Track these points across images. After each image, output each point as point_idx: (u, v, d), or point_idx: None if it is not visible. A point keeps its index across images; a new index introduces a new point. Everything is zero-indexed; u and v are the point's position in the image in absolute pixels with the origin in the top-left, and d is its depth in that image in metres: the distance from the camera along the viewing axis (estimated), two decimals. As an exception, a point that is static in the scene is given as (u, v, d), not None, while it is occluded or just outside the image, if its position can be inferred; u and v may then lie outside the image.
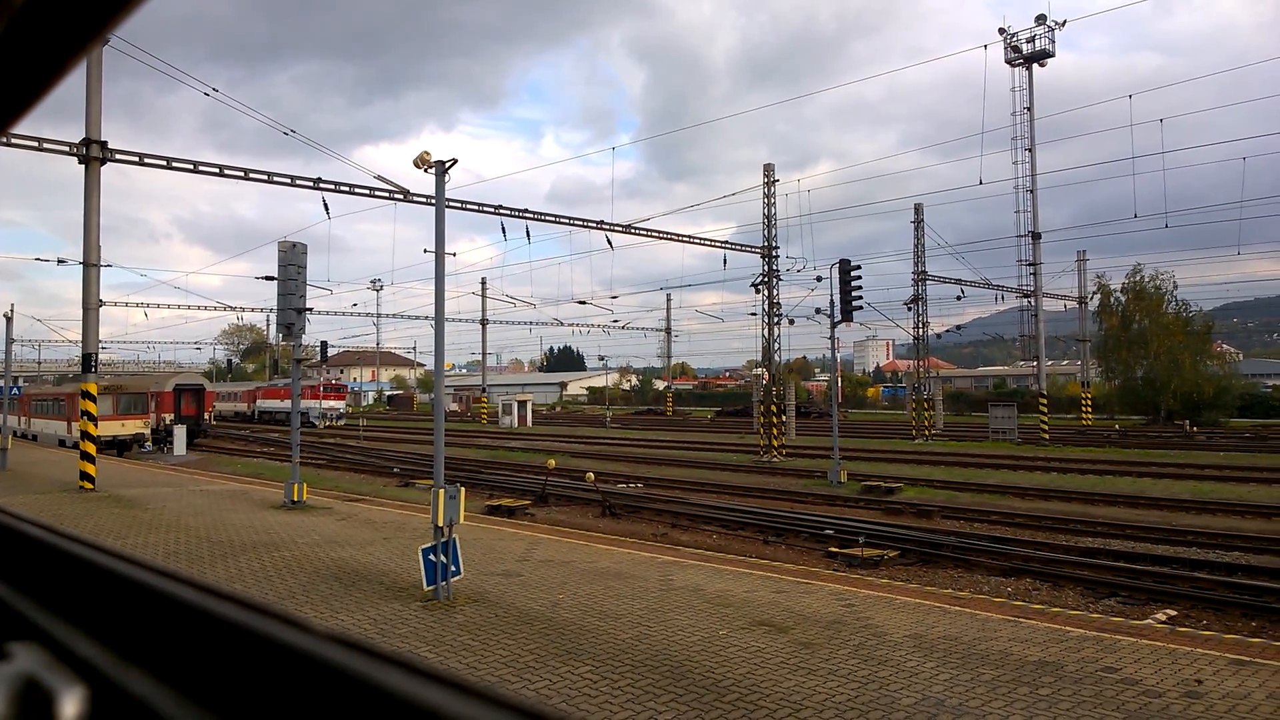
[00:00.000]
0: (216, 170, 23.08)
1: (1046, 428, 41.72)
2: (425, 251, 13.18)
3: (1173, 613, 10.78)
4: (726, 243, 36.06)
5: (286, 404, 61.58)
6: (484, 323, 64.80)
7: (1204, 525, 16.68)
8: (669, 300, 77.08)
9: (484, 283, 63.57)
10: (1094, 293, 53.57)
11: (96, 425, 20.61)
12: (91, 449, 20.18)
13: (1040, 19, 42.05)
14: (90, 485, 19.72)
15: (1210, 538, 15.17)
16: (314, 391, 63.60)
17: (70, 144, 19.88)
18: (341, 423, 63.00)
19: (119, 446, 35.33)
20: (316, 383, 67.05)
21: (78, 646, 0.72)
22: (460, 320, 64.75)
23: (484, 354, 68.98)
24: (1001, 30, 42.71)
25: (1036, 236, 43.04)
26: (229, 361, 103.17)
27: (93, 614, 0.78)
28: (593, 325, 63.53)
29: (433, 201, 11.89)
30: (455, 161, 11.81)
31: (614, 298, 53.12)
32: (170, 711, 0.60)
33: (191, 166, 22.62)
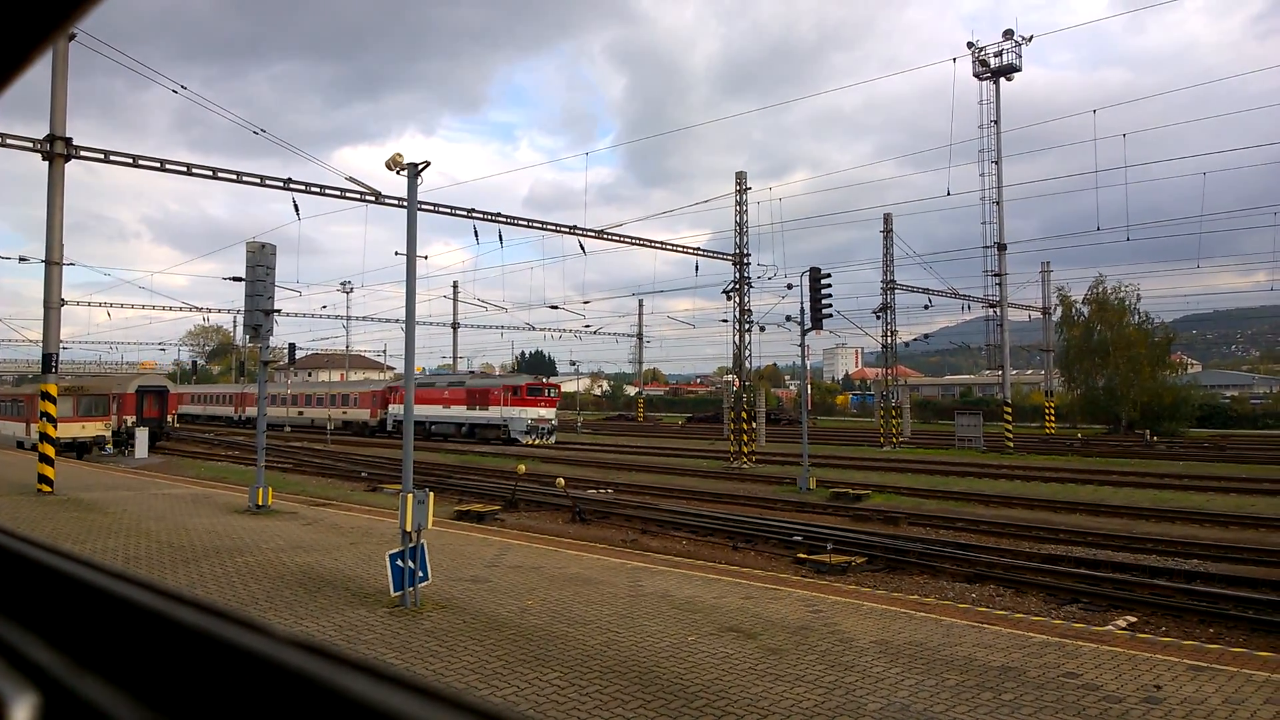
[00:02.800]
0: (184, 169, 22.75)
1: (1011, 436, 42.28)
2: (397, 254, 13.11)
3: (1133, 619, 10.96)
4: (699, 249, 36.19)
5: (453, 412, 48.29)
6: (455, 326, 64.51)
7: (1163, 533, 16.97)
8: (641, 306, 77.28)
9: (455, 286, 63.34)
10: (1057, 304, 54.44)
11: (56, 427, 20.21)
12: (50, 451, 19.77)
13: (1008, 34, 42.73)
14: (49, 488, 19.32)
15: (1169, 545, 15.44)
16: (514, 395, 45.47)
17: (34, 140, 19.52)
18: (553, 440, 45.59)
19: (79, 449, 34.67)
20: (519, 382, 46.93)
21: (31, 651, 0.70)
22: (431, 323, 64.43)
23: (455, 358, 68.63)
24: (970, 44, 43.35)
25: (1002, 248, 43.65)
26: (194, 363, 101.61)
27: (47, 618, 0.77)
28: (565, 330, 63.41)
29: (405, 204, 11.82)
30: (428, 164, 11.75)
31: (586, 303, 53.00)
32: (126, 718, 0.59)
33: (158, 165, 22.29)
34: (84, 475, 24.68)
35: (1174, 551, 15.04)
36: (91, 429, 36.10)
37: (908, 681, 6.90)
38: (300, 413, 59.30)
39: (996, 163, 42.94)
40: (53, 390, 19.78)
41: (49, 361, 19.85)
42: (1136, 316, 52.92)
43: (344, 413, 55.06)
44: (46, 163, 19.38)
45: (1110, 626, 10.20)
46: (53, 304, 19.75)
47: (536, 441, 43.30)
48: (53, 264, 19.60)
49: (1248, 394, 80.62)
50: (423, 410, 48.78)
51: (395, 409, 50.76)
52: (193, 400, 74.00)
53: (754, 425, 36.58)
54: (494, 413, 45.85)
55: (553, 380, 51.58)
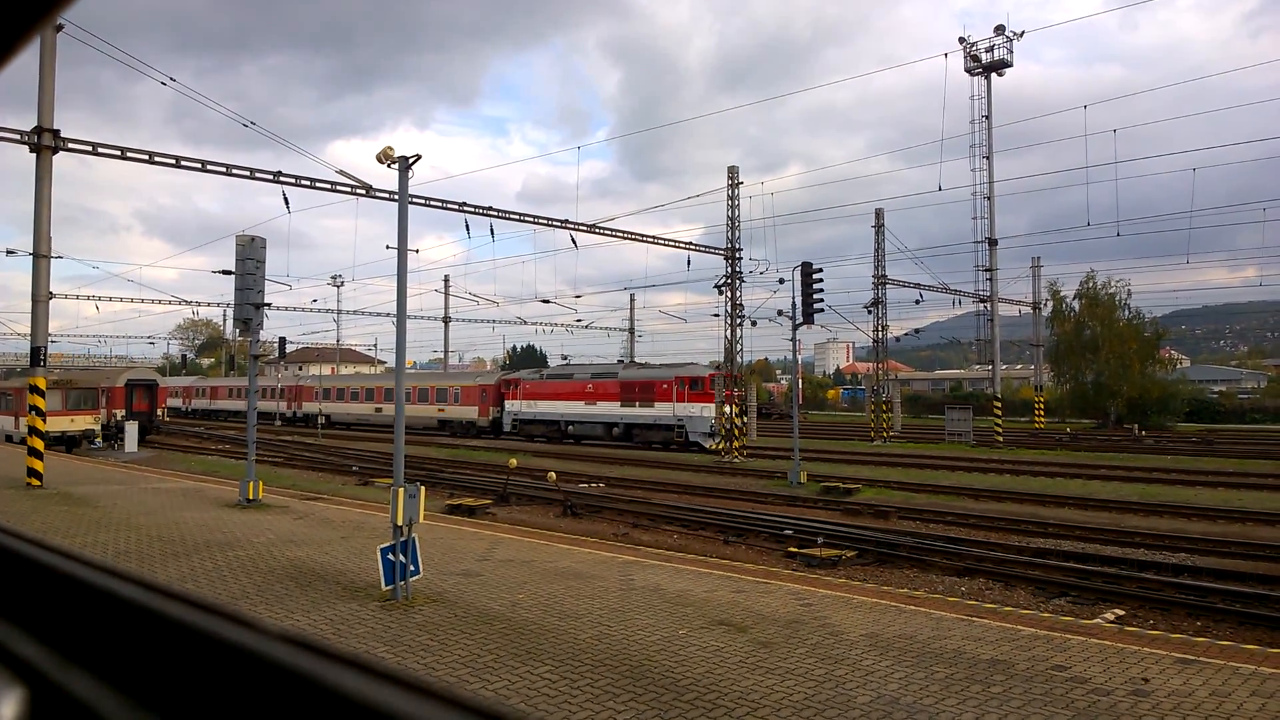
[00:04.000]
0: (173, 161, 22.65)
1: (1000, 430, 42.45)
2: (388, 248, 13.06)
3: (1121, 612, 11.03)
4: (690, 244, 36.23)
5: (600, 409, 39.85)
6: (446, 320, 64.31)
7: (1151, 527, 17.09)
8: (633, 300, 77.03)
9: (447, 280, 63.15)
10: (1047, 299, 54.65)
11: (45, 420, 20.11)
12: (39, 445, 19.68)
13: (999, 29, 42.78)
14: (38, 482, 19.23)
15: (1157, 539, 15.54)
16: (692, 388, 37.13)
17: (21, 132, 19.38)
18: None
19: (68, 443, 34.51)
20: (699, 373, 38.16)
21: (18, 646, 0.70)
22: (422, 318, 64.13)
23: (446, 352, 68.44)
24: (962, 39, 43.38)
25: (993, 243, 43.76)
26: (183, 357, 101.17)
27: (34, 613, 0.76)
28: (556, 324, 63.25)
29: (396, 197, 11.78)
30: (419, 157, 11.70)
31: (578, 297, 52.98)
32: (114, 713, 0.59)
33: (147, 157, 22.18)
34: (73, 469, 24.57)
35: (1162, 545, 15.14)
36: (80, 422, 35.92)
37: (897, 674, 6.93)
38: (378, 409, 51.43)
39: (988, 158, 43.03)
40: (41, 383, 19.68)
41: (37, 355, 19.75)
42: (1127, 312, 53.19)
43: (441, 410, 47.75)
44: (34, 154, 19.27)
45: (1099, 620, 10.26)
46: (41, 297, 19.63)
47: (722, 446, 34.56)
48: (40, 257, 19.48)
49: (1236, 389, 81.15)
50: (555, 408, 42.26)
51: (516, 405, 43.87)
52: (230, 394, 64.74)
53: (745, 419, 36.60)
54: (663, 410, 37.69)
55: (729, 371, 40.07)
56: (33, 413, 19.68)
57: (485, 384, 47.13)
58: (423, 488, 9.64)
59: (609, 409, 39.98)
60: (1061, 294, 54.98)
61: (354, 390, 55.26)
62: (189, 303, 58.73)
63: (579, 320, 61.39)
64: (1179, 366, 61.84)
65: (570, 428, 41.59)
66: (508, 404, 44.97)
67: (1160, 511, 18.97)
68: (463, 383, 48.43)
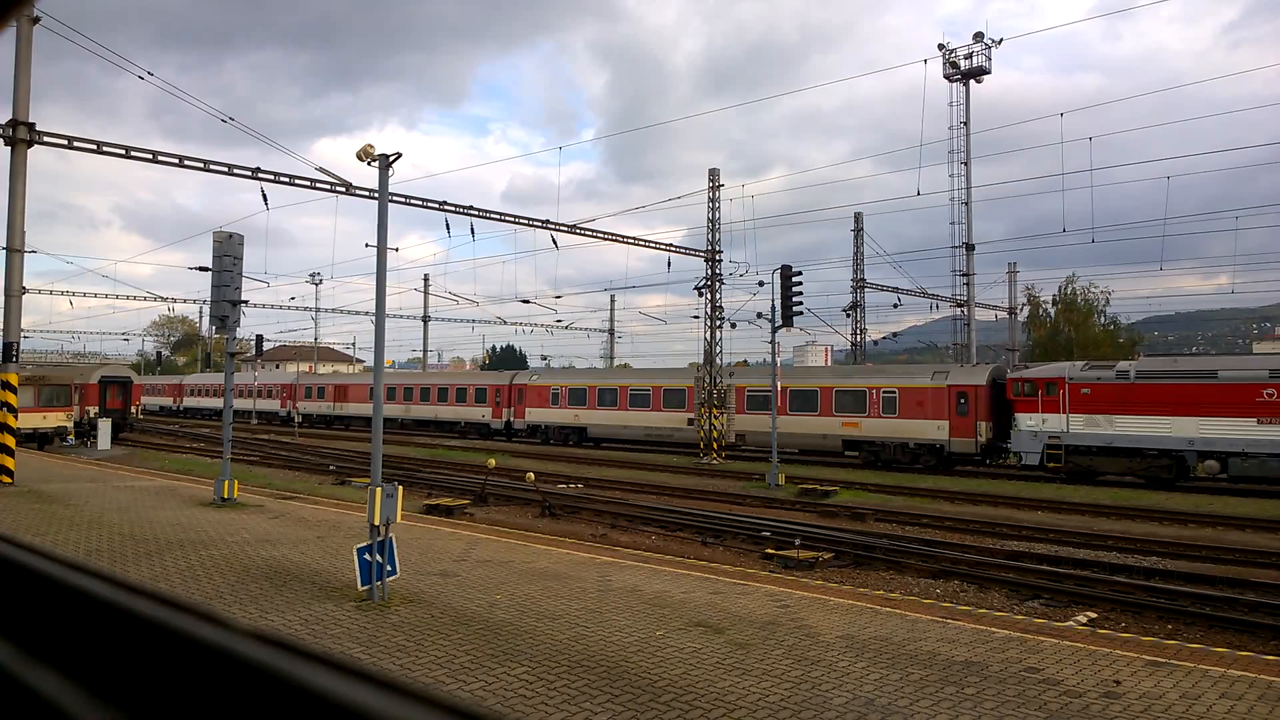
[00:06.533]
0: (150, 156, 22.39)
1: (978, 434, 42.65)
2: (367, 245, 12.99)
3: (1093, 615, 11.15)
4: (671, 245, 36.25)
5: None
6: (426, 319, 63.99)
7: (1123, 530, 17.29)
8: (613, 301, 77.00)
9: (426, 279, 62.84)
10: (1024, 304, 55.14)
11: (16, 417, 19.81)
12: (11, 442, 19.38)
13: (978, 36, 43.11)
14: (8, 479, 18.94)
15: (1129, 542, 15.73)
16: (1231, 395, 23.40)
17: (-5, 124, 19.12)
18: None
19: (40, 440, 34.02)
20: (1245, 377, 23.64)
21: None
22: (401, 317, 63.76)
23: (425, 351, 68.10)
24: (941, 46, 43.67)
25: (970, 248, 44.10)
26: (158, 354, 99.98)
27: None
28: (536, 325, 63.13)
29: (376, 195, 11.71)
30: (399, 155, 11.64)
31: (558, 297, 53.10)
32: (79, 711, 0.59)
33: (123, 151, 21.91)
34: (45, 466, 24.22)
35: (1133, 549, 15.33)
36: (53, 419, 35.41)
37: (873, 676, 6.97)
38: (623, 425, 37.05)
39: (966, 164, 43.35)
40: (13, 380, 19.40)
41: (10, 350, 19.46)
42: (1103, 318, 53.74)
43: (853, 426, 31.58)
44: (8, 148, 19.02)
45: (1071, 622, 10.37)
46: (14, 292, 19.39)
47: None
48: (14, 251, 19.24)
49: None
50: (1170, 426, 24.61)
51: (1049, 420, 26.64)
52: (410, 396, 47.13)
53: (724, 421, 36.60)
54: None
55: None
56: (4, 409, 19.39)
57: (964, 384, 29.25)
58: (400, 487, 9.59)
59: None
60: (1039, 299, 55.52)
61: (632, 391, 38.71)
62: (165, 299, 57.93)
63: (559, 321, 61.32)
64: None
65: (1208, 461, 24.15)
66: (1024, 417, 27.55)
67: (1132, 515, 19.19)
68: (901, 382, 31.11)
